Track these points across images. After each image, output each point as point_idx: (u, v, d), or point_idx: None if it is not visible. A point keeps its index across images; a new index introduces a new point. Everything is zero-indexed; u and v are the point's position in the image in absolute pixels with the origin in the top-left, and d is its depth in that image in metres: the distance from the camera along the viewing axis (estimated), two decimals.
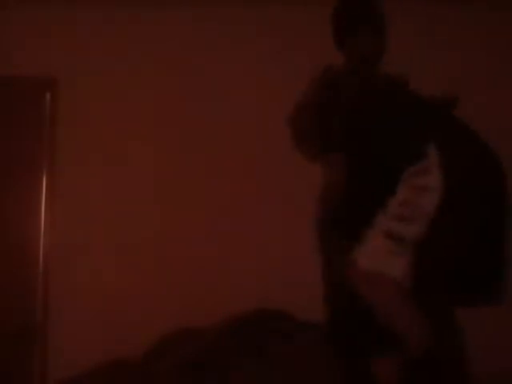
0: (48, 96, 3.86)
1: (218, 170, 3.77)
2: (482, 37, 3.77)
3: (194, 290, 3.62)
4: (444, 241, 2.23)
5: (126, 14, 3.83)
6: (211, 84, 3.78)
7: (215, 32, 3.84)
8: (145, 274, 3.68)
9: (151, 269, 3.69)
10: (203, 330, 3.28)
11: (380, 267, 2.21)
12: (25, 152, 3.83)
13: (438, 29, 3.77)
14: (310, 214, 2.58)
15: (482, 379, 2.46)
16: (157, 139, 3.79)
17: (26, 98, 3.88)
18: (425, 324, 2.19)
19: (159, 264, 3.69)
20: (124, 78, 3.81)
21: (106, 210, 3.74)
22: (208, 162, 3.78)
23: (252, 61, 3.80)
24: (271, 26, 3.82)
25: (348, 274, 2.28)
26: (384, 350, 2.25)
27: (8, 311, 3.71)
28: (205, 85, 3.79)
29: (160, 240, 3.71)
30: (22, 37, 3.82)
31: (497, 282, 2.26)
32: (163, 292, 3.64)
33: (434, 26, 3.77)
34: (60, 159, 3.79)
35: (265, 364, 2.91)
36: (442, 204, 2.20)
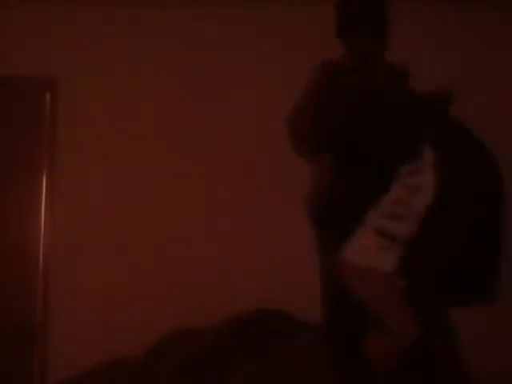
0: (48, 96, 3.86)
1: (218, 169, 3.77)
2: (482, 37, 3.77)
3: (194, 290, 3.62)
4: (437, 240, 2.23)
5: (125, 13, 3.83)
6: (211, 84, 3.78)
7: (215, 32, 3.84)
8: (145, 274, 3.68)
9: (151, 269, 3.69)
10: (203, 329, 3.28)
11: (370, 262, 2.21)
12: (25, 152, 3.83)
13: (438, 29, 3.77)
14: None
15: (482, 379, 2.46)
16: (157, 139, 3.79)
17: (26, 97, 3.88)
18: (417, 323, 2.19)
19: (159, 264, 3.69)
20: (124, 77, 3.81)
21: (106, 210, 3.74)
22: (208, 161, 3.78)
23: (252, 61, 3.80)
24: (271, 26, 3.82)
25: (339, 272, 2.28)
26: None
27: (8, 311, 3.71)
28: (205, 85, 3.79)
29: (160, 240, 3.71)
30: (22, 37, 3.82)
31: (491, 281, 2.26)
32: (163, 292, 3.64)
33: (434, 26, 3.77)
34: (60, 159, 3.79)
35: (265, 364, 2.92)
36: (435, 203, 2.20)
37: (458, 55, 3.72)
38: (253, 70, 3.80)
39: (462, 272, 2.25)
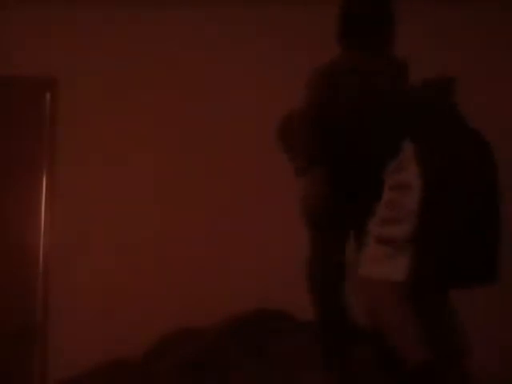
0: (48, 96, 3.86)
1: (218, 169, 3.77)
2: (482, 37, 3.77)
3: (194, 290, 3.62)
4: (435, 232, 2.20)
5: (125, 13, 3.83)
6: (211, 84, 3.78)
7: (215, 32, 3.84)
8: (145, 274, 3.68)
9: (151, 269, 3.69)
10: (203, 329, 3.27)
11: (381, 274, 2.19)
12: (25, 152, 3.83)
13: (438, 29, 3.77)
14: None
15: (482, 379, 2.46)
16: (157, 139, 3.79)
17: (25, 97, 3.88)
18: (424, 338, 2.17)
19: (159, 264, 3.69)
20: (124, 77, 3.81)
21: (106, 210, 3.74)
22: (208, 162, 3.78)
23: (252, 61, 3.80)
24: (271, 26, 3.82)
25: (357, 287, 2.29)
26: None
27: (8, 311, 3.72)
28: (205, 85, 3.79)
29: (160, 240, 3.71)
30: (22, 37, 3.82)
31: (490, 263, 2.23)
32: (163, 292, 3.64)
33: (434, 26, 3.77)
34: (60, 159, 3.79)
35: (265, 364, 2.91)
36: (427, 195, 2.18)
37: (458, 55, 3.72)
38: (253, 69, 3.79)
39: (462, 260, 2.22)
